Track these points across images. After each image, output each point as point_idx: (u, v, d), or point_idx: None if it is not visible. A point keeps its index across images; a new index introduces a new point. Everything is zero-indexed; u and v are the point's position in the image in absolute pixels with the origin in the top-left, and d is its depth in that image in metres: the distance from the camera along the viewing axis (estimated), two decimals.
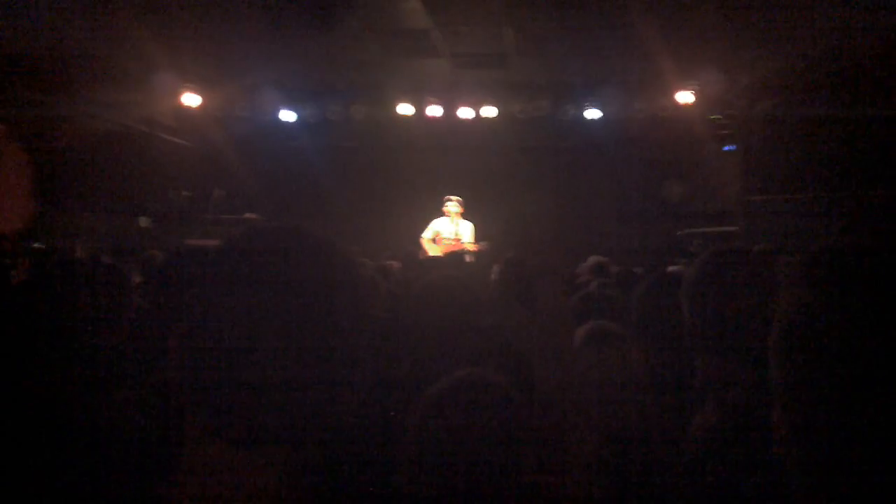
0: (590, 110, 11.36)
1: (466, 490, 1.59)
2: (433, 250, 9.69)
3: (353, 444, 1.68)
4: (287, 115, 11.78)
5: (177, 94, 10.91)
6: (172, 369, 0.93)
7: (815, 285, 0.87)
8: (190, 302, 0.94)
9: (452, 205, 9.93)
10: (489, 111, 11.58)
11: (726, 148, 11.66)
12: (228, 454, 0.93)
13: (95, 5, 7.42)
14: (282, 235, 1.00)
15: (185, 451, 0.96)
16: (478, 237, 10.01)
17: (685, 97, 10.72)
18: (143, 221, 10.88)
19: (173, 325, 0.93)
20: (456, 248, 9.52)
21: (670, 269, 6.58)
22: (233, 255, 0.97)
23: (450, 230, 9.93)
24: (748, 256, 1.95)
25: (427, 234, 9.96)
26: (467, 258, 9.21)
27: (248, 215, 10.76)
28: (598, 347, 2.28)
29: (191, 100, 11.06)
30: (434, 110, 11.58)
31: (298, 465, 0.96)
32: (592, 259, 6.87)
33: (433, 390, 1.72)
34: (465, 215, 10.08)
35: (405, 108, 11.56)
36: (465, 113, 11.65)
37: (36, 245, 6.84)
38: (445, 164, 12.69)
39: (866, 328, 0.80)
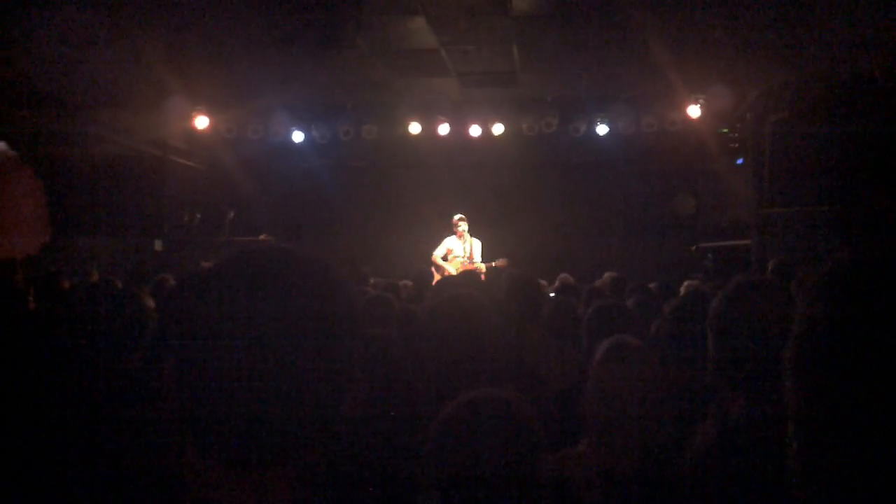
0: (599, 126, 11.37)
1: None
2: (447, 268, 9.72)
3: (355, 462, 1.68)
4: (298, 137, 11.85)
5: (188, 118, 11.00)
6: (169, 392, 0.93)
7: (831, 301, 0.87)
8: (184, 324, 0.95)
9: (462, 223, 9.96)
10: (498, 129, 11.61)
11: (738, 161, 11.65)
12: (227, 476, 0.93)
13: (107, 30, 7.50)
14: (271, 257, 1.00)
15: (183, 474, 0.96)
16: (488, 254, 10.03)
17: (694, 111, 10.72)
18: (158, 245, 10.94)
19: (168, 348, 0.93)
20: (470, 268, 9.56)
21: (688, 282, 6.58)
22: (223, 277, 0.97)
23: (461, 248, 9.95)
24: (771, 287, 1.95)
25: (439, 252, 9.98)
26: (482, 277, 9.25)
27: (262, 237, 10.81)
28: (619, 361, 2.28)
29: (202, 123, 11.13)
30: (443, 129, 11.62)
31: (298, 485, 0.95)
32: (608, 275, 6.88)
33: (449, 409, 1.72)
34: (474, 233, 10.10)
35: (414, 127, 11.61)
36: (474, 131, 11.69)
37: (50, 270, 6.88)
38: (455, 181, 12.73)
39: (882, 343, 0.80)
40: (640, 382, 2.24)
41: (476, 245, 10.05)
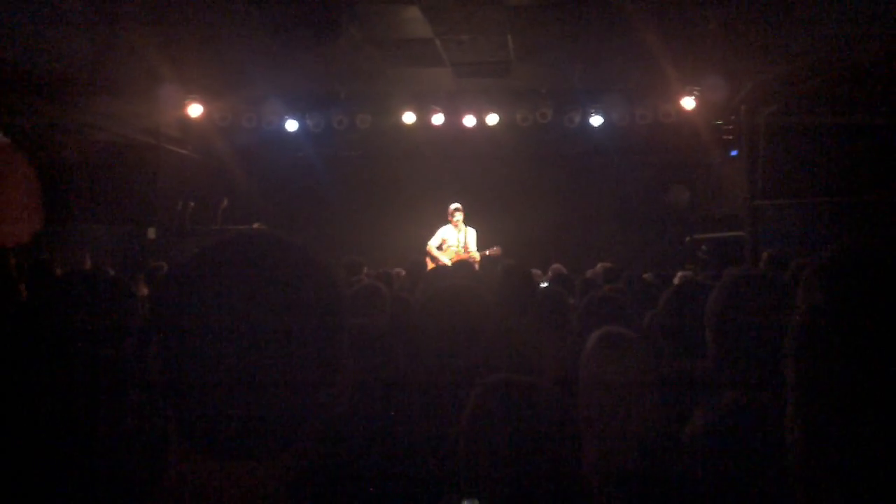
0: (593, 117, 11.36)
1: (519, 488, 1.61)
2: (441, 258, 9.72)
3: (344, 452, 1.68)
4: (291, 125, 11.82)
5: (182, 106, 10.94)
6: (153, 382, 0.91)
7: (830, 290, 0.87)
8: (171, 311, 0.94)
9: (458, 212, 9.95)
10: (492, 119, 11.59)
11: (731, 153, 11.67)
12: (214, 468, 0.92)
13: (100, 17, 7.46)
14: (256, 243, 0.99)
15: (169, 466, 0.95)
16: (483, 244, 10.03)
17: (688, 103, 10.73)
18: (151, 233, 10.91)
19: (153, 337, 0.91)
20: (464, 258, 9.55)
21: (681, 273, 6.60)
22: (208, 264, 0.96)
23: (456, 238, 9.95)
24: (767, 279, 1.95)
25: (434, 242, 9.99)
26: (476, 266, 9.25)
27: (255, 226, 10.79)
28: (610, 352, 2.29)
29: (196, 111, 11.09)
30: (437, 119, 11.60)
31: (286, 477, 0.95)
32: (601, 265, 6.90)
33: (479, 392, 1.73)
34: (469, 222, 10.10)
35: (409, 117, 11.58)
36: (468, 121, 11.67)
37: (42, 257, 6.86)
38: (449, 172, 12.73)
39: (882, 332, 0.80)
40: (632, 373, 2.25)
41: (471, 234, 10.05)
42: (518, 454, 1.62)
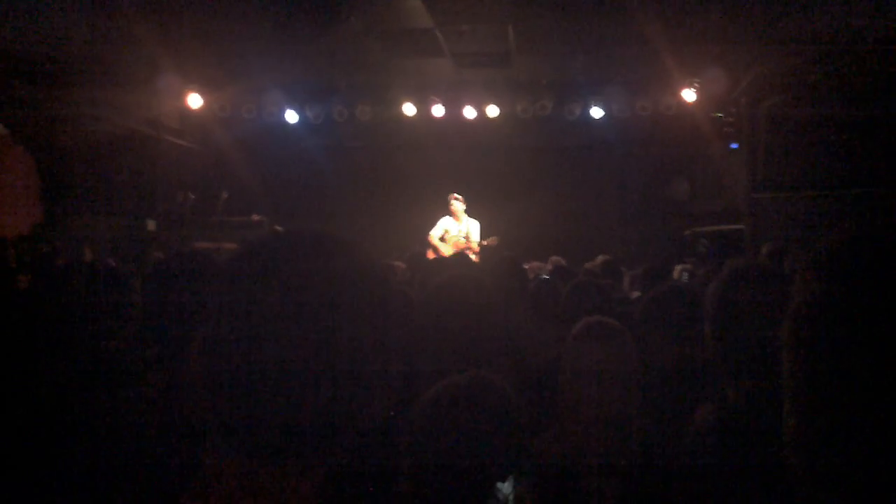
0: (593, 109, 11.33)
1: (462, 488, 1.59)
2: (442, 248, 9.71)
3: (369, 453, 1.67)
4: (291, 116, 11.79)
5: (182, 97, 10.92)
6: (191, 382, 0.87)
7: (827, 280, 0.87)
8: (208, 309, 0.91)
9: (459, 203, 9.94)
10: (493, 110, 11.56)
11: (732, 146, 11.65)
12: (248, 468, 0.90)
13: (100, 7, 7.43)
14: (304, 240, 0.96)
15: (203, 466, 0.92)
16: (483, 236, 10.03)
17: (689, 95, 10.70)
18: (151, 225, 10.90)
19: (191, 336, 0.87)
20: (463, 247, 9.54)
21: (681, 267, 6.60)
22: (253, 260, 0.93)
23: (458, 228, 9.94)
24: (767, 271, 1.94)
25: (435, 233, 9.97)
26: (474, 258, 9.24)
27: (255, 217, 10.78)
28: (595, 342, 2.27)
29: (196, 101, 11.06)
30: (438, 110, 11.57)
31: (321, 478, 0.92)
32: (601, 258, 6.90)
33: (431, 392, 1.72)
34: (470, 214, 10.09)
35: (409, 108, 11.56)
36: (468, 112, 11.64)
37: (42, 248, 6.86)
38: (449, 163, 12.70)
39: (877, 323, 0.80)
40: (613, 363, 2.23)
41: (473, 225, 10.04)
42: (458, 453, 1.60)
